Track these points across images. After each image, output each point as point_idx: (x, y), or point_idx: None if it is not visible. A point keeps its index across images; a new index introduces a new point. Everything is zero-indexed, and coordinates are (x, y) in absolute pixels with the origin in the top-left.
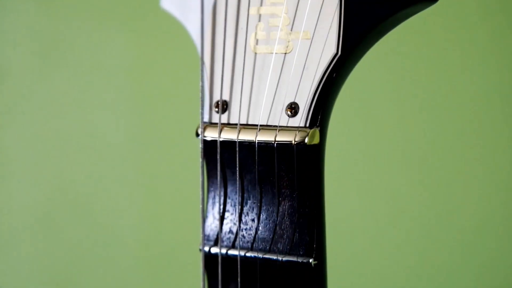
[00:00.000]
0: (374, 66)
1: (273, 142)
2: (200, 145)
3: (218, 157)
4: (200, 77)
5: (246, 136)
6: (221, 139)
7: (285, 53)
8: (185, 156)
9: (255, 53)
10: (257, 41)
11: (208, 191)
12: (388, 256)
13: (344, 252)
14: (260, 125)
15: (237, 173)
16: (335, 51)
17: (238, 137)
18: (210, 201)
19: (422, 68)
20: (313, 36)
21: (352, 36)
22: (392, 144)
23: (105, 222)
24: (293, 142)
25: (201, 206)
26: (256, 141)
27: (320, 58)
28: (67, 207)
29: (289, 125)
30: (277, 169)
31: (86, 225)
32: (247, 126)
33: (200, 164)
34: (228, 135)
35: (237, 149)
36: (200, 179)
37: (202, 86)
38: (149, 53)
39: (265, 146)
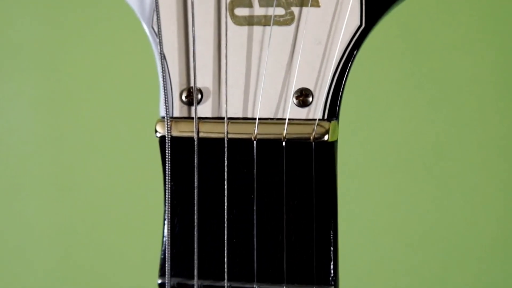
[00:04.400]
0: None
1: (281, 139)
2: (167, 146)
3: (196, 161)
4: (156, 50)
5: (238, 132)
6: (199, 137)
7: (287, 26)
8: (133, 161)
9: (244, 26)
10: (243, 11)
11: (171, 205)
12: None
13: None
14: (259, 119)
15: (225, 181)
16: (359, 23)
17: (226, 134)
18: (176, 218)
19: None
20: (333, 4)
21: (378, 3)
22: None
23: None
24: (311, 138)
25: (166, 227)
26: (256, 138)
27: (343, 31)
28: None
29: (300, 117)
30: (286, 174)
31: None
32: (237, 120)
33: (161, 171)
34: (209, 132)
35: (225, 149)
36: (166, 190)
37: (164, 72)
38: (82, 28)
39: (268, 144)
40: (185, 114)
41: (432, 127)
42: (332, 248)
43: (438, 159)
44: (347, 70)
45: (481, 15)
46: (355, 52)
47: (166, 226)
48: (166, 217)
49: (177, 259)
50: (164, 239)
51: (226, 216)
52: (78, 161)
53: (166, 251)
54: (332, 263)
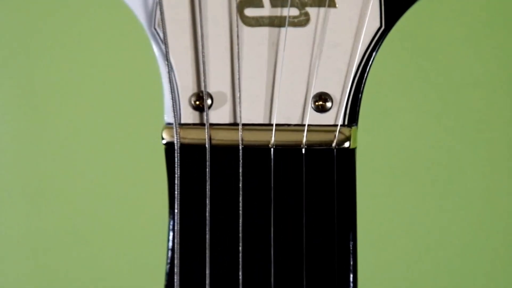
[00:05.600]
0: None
1: (300, 146)
2: (176, 155)
3: (208, 169)
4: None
5: (254, 139)
6: (211, 144)
7: (302, 27)
8: (130, 168)
9: (256, 28)
10: (253, 11)
11: (175, 219)
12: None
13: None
14: (276, 125)
15: (241, 191)
16: (379, 24)
17: (242, 141)
18: (184, 230)
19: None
20: (351, 5)
21: (398, 3)
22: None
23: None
24: (333, 145)
25: (172, 240)
26: (273, 146)
27: (363, 33)
28: None
29: (319, 123)
30: (306, 183)
31: None
32: (252, 127)
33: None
34: (222, 139)
35: (240, 158)
36: (176, 200)
37: (170, 76)
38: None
39: (286, 152)
40: (194, 121)
41: (439, 131)
42: (352, 260)
43: (446, 164)
44: (366, 74)
45: (492, 16)
46: (374, 54)
47: (171, 240)
48: (172, 229)
49: (185, 274)
50: (169, 253)
51: (241, 228)
52: (67, 167)
53: (175, 266)
54: (352, 275)
